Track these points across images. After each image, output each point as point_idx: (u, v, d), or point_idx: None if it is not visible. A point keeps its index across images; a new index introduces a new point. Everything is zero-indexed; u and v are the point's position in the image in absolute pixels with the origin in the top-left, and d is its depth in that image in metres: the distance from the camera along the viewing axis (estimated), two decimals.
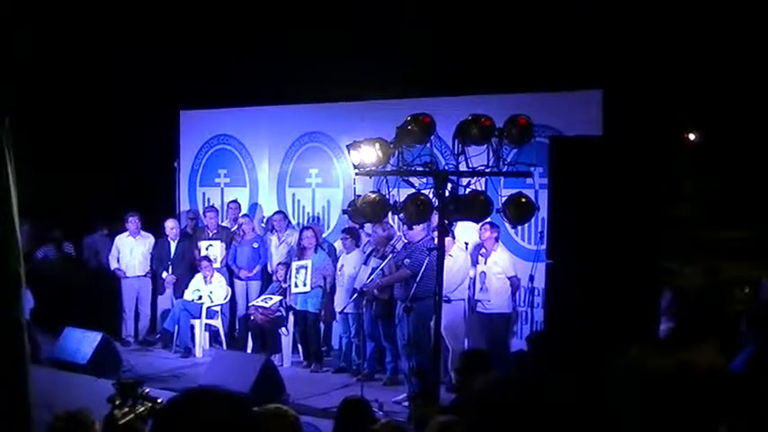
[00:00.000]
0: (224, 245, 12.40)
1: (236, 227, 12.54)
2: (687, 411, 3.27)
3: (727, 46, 11.96)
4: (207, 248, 12.32)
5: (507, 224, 8.40)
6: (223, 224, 12.91)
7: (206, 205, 13.52)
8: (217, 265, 12.21)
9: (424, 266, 9.09)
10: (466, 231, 10.16)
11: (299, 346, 11.41)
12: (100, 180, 14.25)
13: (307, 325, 11.21)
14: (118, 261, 12.57)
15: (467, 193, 7.70)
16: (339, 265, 10.97)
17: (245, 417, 2.13)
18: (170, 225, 12.58)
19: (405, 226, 9.23)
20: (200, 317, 11.87)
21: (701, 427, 3.32)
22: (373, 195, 7.80)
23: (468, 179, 7.73)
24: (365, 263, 10.43)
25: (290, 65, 12.55)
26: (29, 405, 3.29)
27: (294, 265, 11.25)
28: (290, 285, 11.25)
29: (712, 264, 10.35)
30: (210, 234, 12.53)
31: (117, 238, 12.74)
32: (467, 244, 10.27)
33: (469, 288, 10.13)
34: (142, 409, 4.02)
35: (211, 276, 12.04)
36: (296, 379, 10.23)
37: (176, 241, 12.55)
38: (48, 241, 13.63)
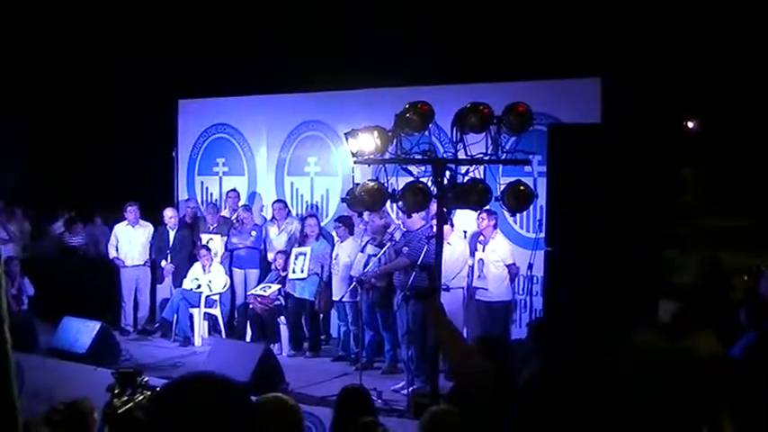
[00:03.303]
0: (224, 239, 12.38)
1: (234, 216, 12.53)
2: (687, 398, 3.26)
3: (726, 35, 11.95)
4: (207, 242, 12.30)
5: (506, 212, 8.38)
6: (222, 213, 12.89)
7: (204, 194, 13.52)
8: (217, 259, 12.19)
9: (422, 255, 9.08)
10: (464, 220, 10.15)
11: (288, 333, 11.33)
12: (99, 169, 14.26)
13: (304, 313, 11.22)
14: (117, 250, 12.55)
15: (465, 181, 7.68)
16: (334, 254, 10.96)
17: (242, 402, 2.12)
18: (169, 214, 12.57)
19: (403, 214, 9.21)
20: (198, 306, 11.87)
21: (701, 415, 3.32)
22: (372, 184, 7.77)
23: (467, 167, 7.71)
24: (362, 251, 10.42)
25: (288, 54, 12.54)
26: (14, 397, 3.26)
27: (294, 251, 11.26)
28: (288, 271, 11.25)
29: (712, 252, 10.35)
30: (211, 228, 12.50)
31: (116, 227, 12.73)
32: (465, 232, 10.27)
33: (468, 276, 10.12)
34: (141, 398, 4.02)
35: (210, 265, 12.02)
36: (294, 368, 10.22)
37: (175, 230, 12.54)
38: (52, 230, 13.68)
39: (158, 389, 2.25)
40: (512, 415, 3.62)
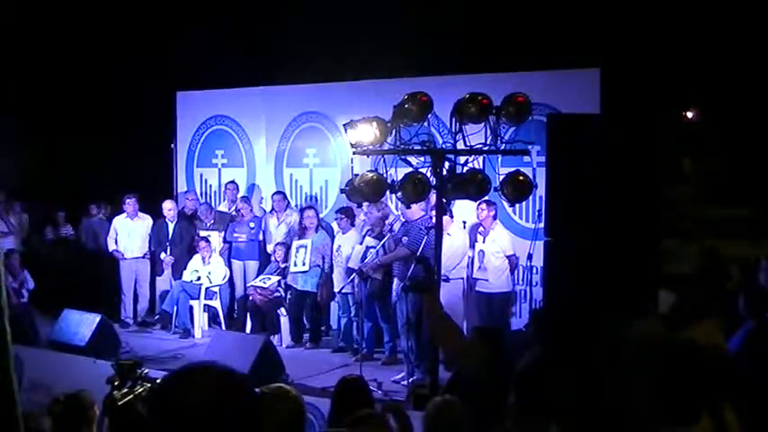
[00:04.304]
0: (222, 235, 12.36)
1: (233, 208, 12.53)
2: (687, 388, 3.27)
3: (725, 24, 11.92)
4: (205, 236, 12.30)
5: (505, 202, 8.38)
6: (220, 207, 12.88)
7: (203, 186, 13.53)
8: (217, 251, 12.18)
9: (422, 245, 9.08)
10: (464, 210, 10.14)
11: (289, 326, 11.34)
12: (97, 162, 14.24)
13: (305, 305, 11.21)
14: (116, 243, 12.53)
15: (464, 171, 7.68)
16: (336, 246, 10.96)
17: (244, 392, 2.11)
18: (168, 206, 12.55)
19: (403, 205, 9.21)
20: (198, 298, 11.87)
21: (700, 405, 3.32)
22: (371, 174, 7.77)
23: (466, 157, 7.71)
24: (360, 243, 10.43)
25: (287, 45, 12.51)
26: (13, 388, 3.26)
27: (295, 244, 11.26)
28: (289, 264, 11.25)
29: (711, 242, 10.35)
30: (208, 225, 12.49)
31: (115, 219, 12.71)
32: (465, 223, 10.26)
33: (468, 267, 10.11)
34: (141, 390, 4.01)
35: (210, 257, 12.01)
36: (295, 359, 10.23)
37: (174, 222, 12.52)
38: (50, 223, 13.68)
39: (160, 380, 2.24)
40: (510, 402, 3.63)
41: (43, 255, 13.41)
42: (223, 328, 11.93)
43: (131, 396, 3.97)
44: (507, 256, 10.00)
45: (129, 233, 12.53)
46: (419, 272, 8.70)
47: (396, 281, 9.70)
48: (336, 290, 10.83)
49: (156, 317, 12.41)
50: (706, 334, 4.72)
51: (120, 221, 12.61)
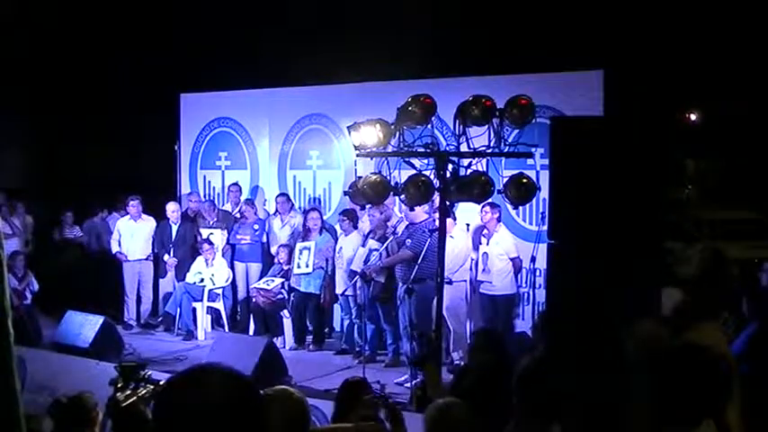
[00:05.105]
0: (225, 233, 12.36)
1: (236, 210, 12.54)
2: (691, 392, 3.27)
3: (728, 26, 11.92)
4: (208, 236, 12.30)
5: (509, 205, 8.38)
6: (224, 207, 12.88)
7: (206, 188, 13.53)
8: (219, 253, 12.19)
9: (425, 248, 9.08)
10: (467, 213, 10.14)
11: (292, 328, 11.35)
12: (101, 164, 14.26)
13: (309, 306, 11.21)
14: (119, 244, 12.54)
15: (468, 173, 7.68)
16: (338, 248, 10.97)
17: (249, 393, 2.12)
18: (171, 208, 12.54)
19: (406, 207, 9.21)
20: (201, 299, 11.88)
21: (705, 408, 3.32)
22: (374, 177, 7.78)
23: (470, 160, 7.72)
24: (363, 245, 10.43)
25: (290, 47, 12.52)
26: (16, 390, 3.27)
27: (298, 245, 11.26)
28: (292, 266, 11.25)
29: (714, 244, 10.33)
30: (211, 222, 12.50)
31: (118, 221, 12.73)
32: (468, 225, 10.26)
33: (472, 269, 10.11)
34: (144, 391, 4.03)
35: (213, 259, 12.02)
36: (298, 361, 10.23)
37: (177, 224, 12.51)
38: (56, 225, 13.71)
39: (164, 382, 2.25)
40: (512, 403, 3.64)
41: (50, 256, 13.41)
42: (226, 330, 11.94)
43: (134, 398, 3.98)
44: (511, 259, 10.00)
45: (132, 235, 12.54)
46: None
47: (399, 283, 9.70)
48: (338, 292, 10.84)
49: (160, 319, 12.40)
50: (708, 336, 4.71)
51: (123, 223, 12.62)
